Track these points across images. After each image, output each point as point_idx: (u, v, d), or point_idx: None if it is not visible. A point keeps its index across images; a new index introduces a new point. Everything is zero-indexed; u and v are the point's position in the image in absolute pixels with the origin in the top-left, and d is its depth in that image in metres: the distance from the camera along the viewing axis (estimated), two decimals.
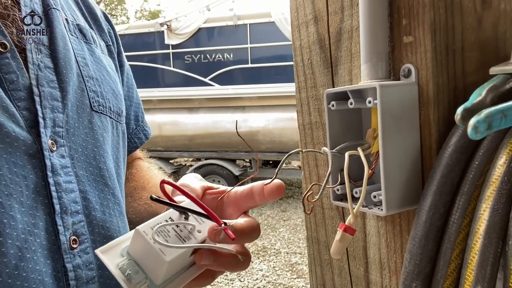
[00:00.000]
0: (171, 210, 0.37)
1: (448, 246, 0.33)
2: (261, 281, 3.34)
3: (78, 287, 0.47)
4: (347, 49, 0.46)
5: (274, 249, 3.98)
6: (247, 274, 3.45)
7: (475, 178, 0.33)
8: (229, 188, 0.44)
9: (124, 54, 0.69)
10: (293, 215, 4.97)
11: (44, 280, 0.44)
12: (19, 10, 0.49)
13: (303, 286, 3.23)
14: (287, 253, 3.86)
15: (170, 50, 5.56)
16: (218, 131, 5.01)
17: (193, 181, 0.45)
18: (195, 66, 5.51)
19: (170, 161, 5.95)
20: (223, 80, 5.31)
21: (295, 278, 3.36)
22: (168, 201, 0.37)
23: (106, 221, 0.51)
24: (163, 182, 0.36)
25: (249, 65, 5.25)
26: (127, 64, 0.70)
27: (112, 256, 0.35)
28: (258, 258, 3.78)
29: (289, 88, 4.39)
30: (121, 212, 0.54)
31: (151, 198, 0.34)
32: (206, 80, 5.41)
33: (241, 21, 5.26)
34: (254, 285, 3.27)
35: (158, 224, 0.35)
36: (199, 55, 5.50)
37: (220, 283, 3.33)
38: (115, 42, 0.66)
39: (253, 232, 0.39)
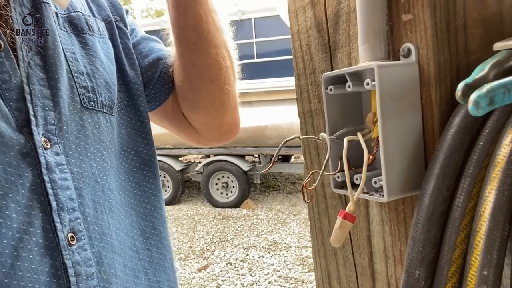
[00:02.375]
0: None
1: (453, 231, 0.31)
2: (272, 275, 3.34)
3: (79, 283, 0.47)
4: (345, 31, 0.45)
5: (285, 243, 3.98)
6: (258, 269, 3.45)
7: (479, 160, 0.32)
8: None
9: (131, 20, 0.68)
10: (303, 209, 4.95)
11: (40, 279, 0.44)
12: (11, 9, 0.48)
13: (314, 279, 3.22)
14: (298, 247, 3.85)
15: None
16: None
17: None
18: None
19: (179, 158, 5.97)
20: None
21: (306, 272, 3.36)
22: None
23: (98, 217, 0.51)
24: None
25: (255, 59, 5.23)
26: (137, 28, 0.69)
27: None
28: (269, 252, 3.78)
29: None
30: (110, 209, 0.54)
31: None
32: None
33: (246, 16, 5.23)
34: (265, 280, 3.27)
35: None
36: None
37: (232, 278, 3.34)
38: (117, 13, 0.64)
39: None
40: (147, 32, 0.73)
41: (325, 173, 0.39)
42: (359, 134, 0.39)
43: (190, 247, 4.08)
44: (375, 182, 0.38)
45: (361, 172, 0.39)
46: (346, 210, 0.35)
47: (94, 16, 0.60)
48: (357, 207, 0.46)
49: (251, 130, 4.90)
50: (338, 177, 0.42)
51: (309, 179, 0.38)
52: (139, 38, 0.68)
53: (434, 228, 0.32)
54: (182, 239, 4.30)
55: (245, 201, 5.30)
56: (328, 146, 0.37)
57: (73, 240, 0.47)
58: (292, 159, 6.46)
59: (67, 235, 0.47)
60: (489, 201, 0.29)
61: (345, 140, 0.37)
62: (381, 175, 0.37)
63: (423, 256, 0.32)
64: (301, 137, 0.40)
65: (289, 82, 4.68)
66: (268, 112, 4.88)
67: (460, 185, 0.32)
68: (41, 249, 0.45)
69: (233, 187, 5.30)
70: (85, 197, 0.50)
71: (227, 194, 5.36)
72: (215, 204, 5.38)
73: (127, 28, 0.65)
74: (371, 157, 0.39)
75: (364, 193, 0.39)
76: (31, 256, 0.44)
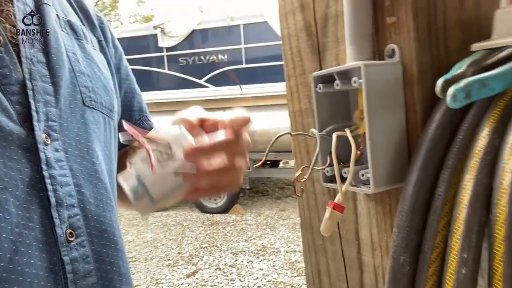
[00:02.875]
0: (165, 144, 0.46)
1: (434, 218, 0.34)
2: (261, 280, 3.34)
3: (76, 280, 0.47)
4: (334, 34, 0.47)
5: (274, 248, 3.98)
6: (247, 274, 3.45)
7: (459, 152, 0.34)
8: (220, 117, 0.48)
9: (120, 48, 0.69)
10: (292, 214, 4.97)
11: (39, 274, 0.44)
12: (13, 5, 0.49)
13: (303, 284, 3.23)
14: (287, 252, 3.86)
15: (164, 53, 5.55)
16: None
17: (190, 113, 0.49)
18: (189, 68, 5.49)
19: None
20: (218, 81, 5.30)
21: (295, 276, 3.37)
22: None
23: (100, 215, 0.51)
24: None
25: (244, 65, 5.26)
26: (124, 58, 0.70)
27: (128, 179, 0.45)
28: (258, 257, 3.78)
29: (284, 87, 4.38)
30: (112, 207, 0.54)
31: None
32: (201, 81, 5.40)
33: (235, 22, 5.26)
34: (254, 285, 3.27)
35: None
36: (193, 57, 5.47)
37: (221, 283, 3.33)
38: (108, 37, 0.66)
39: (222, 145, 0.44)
40: (134, 37, 0.75)
41: (314, 167, 0.41)
42: (347, 130, 0.41)
43: (179, 253, 4.06)
44: (362, 175, 0.40)
45: (349, 167, 0.41)
46: (335, 200, 0.37)
47: (86, 29, 0.62)
48: (345, 201, 0.48)
49: None
50: (328, 171, 0.44)
51: (300, 172, 0.40)
52: (130, 78, 0.71)
53: (417, 216, 0.34)
54: (170, 245, 4.27)
55: (234, 207, 5.29)
56: (318, 141, 0.39)
57: (71, 237, 0.47)
58: (281, 165, 6.49)
59: (65, 231, 0.47)
60: (467, 189, 0.32)
61: (334, 135, 0.39)
62: (367, 168, 0.39)
63: (407, 243, 0.34)
64: (292, 133, 0.42)
65: (277, 87, 4.72)
66: (257, 118, 4.91)
67: (441, 176, 0.34)
68: (40, 245, 0.45)
69: None
70: (86, 194, 0.50)
71: (215, 199, 5.34)
72: (203, 209, 5.36)
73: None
74: (358, 152, 0.42)
75: (352, 185, 0.41)
76: (30, 251, 0.44)
